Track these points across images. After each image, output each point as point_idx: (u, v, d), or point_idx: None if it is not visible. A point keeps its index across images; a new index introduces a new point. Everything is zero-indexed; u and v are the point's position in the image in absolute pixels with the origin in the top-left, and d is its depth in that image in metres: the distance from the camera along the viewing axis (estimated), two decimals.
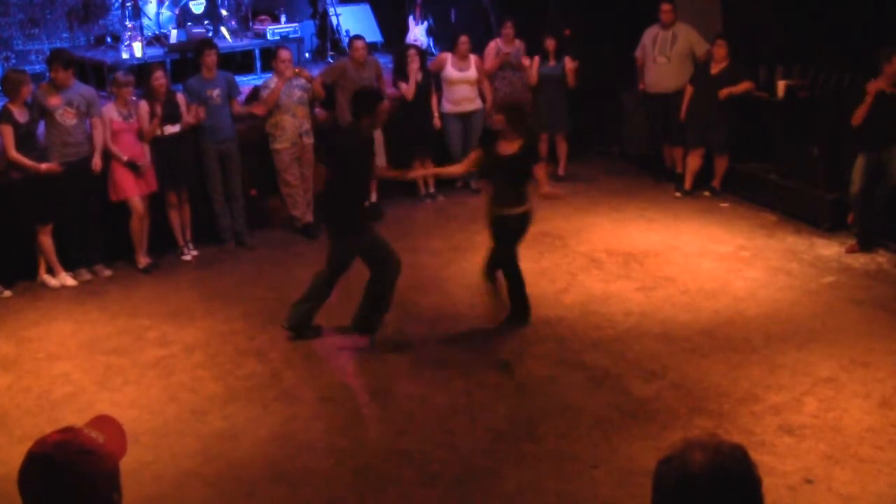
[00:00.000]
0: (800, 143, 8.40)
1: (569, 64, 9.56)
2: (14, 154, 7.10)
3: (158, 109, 7.71)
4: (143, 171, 7.67)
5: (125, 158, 7.57)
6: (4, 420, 5.52)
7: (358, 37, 9.13)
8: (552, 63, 9.56)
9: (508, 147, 6.12)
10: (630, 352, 6.05)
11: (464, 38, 9.33)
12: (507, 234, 6.25)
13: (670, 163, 9.65)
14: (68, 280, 7.55)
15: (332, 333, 6.62)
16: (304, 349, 6.36)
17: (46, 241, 7.45)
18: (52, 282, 7.53)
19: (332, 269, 6.28)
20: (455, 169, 7.22)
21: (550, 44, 9.57)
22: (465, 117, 9.40)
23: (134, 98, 7.76)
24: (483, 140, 6.55)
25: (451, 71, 9.32)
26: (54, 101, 7.33)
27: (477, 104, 9.43)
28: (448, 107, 9.40)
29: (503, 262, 6.35)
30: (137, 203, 7.69)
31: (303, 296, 6.38)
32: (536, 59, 9.63)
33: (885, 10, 7.89)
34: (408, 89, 9.04)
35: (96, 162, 7.50)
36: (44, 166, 7.17)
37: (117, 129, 7.59)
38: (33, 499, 1.88)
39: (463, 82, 9.35)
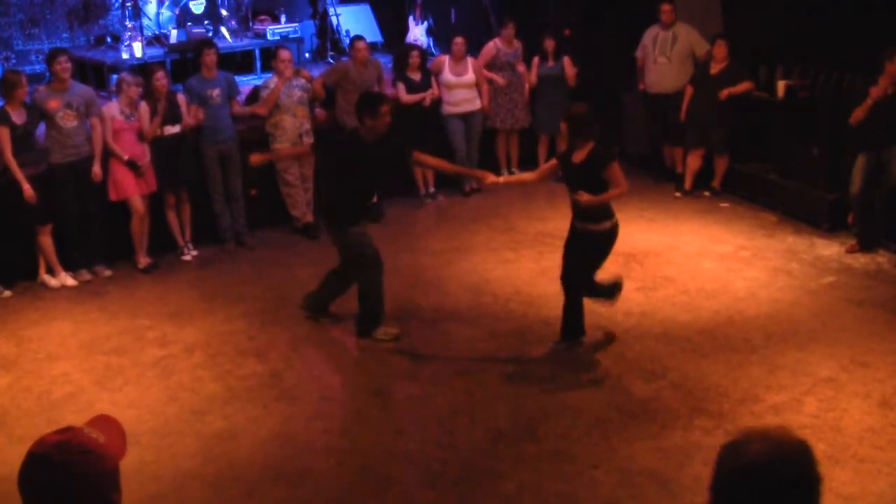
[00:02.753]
0: (800, 143, 8.39)
1: (568, 64, 9.57)
2: (9, 157, 7.08)
3: (160, 108, 7.71)
4: (143, 170, 7.67)
5: (126, 158, 7.56)
6: (4, 420, 5.52)
7: (359, 37, 9.13)
8: (551, 63, 9.56)
9: (579, 155, 5.92)
10: (630, 352, 6.05)
11: (458, 40, 9.33)
12: (596, 250, 6.00)
13: (670, 163, 9.65)
14: (68, 280, 7.55)
15: (332, 333, 6.63)
16: (304, 349, 6.36)
17: (46, 241, 7.45)
18: (52, 282, 7.53)
19: (359, 263, 6.24)
20: (528, 176, 6.81)
21: (549, 44, 9.57)
22: (465, 117, 9.41)
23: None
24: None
25: (448, 76, 9.32)
26: (54, 103, 7.33)
27: (476, 104, 9.45)
28: (448, 108, 9.41)
29: (584, 278, 6.06)
30: (138, 203, 7.69)
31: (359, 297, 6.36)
32: (536, 59, 9.64)
33: (885, 10, 7.89)
34: (408, 97, 9.03)
35: (96, 171, 7.49)
36: (26, 189, 7.08)
37: (118, 128, 7.59)
38: (33, 498, 1.88)
39: (461, 86, 9.36)
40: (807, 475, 1.83)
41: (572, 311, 6.09)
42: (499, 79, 9.50)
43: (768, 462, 1.81)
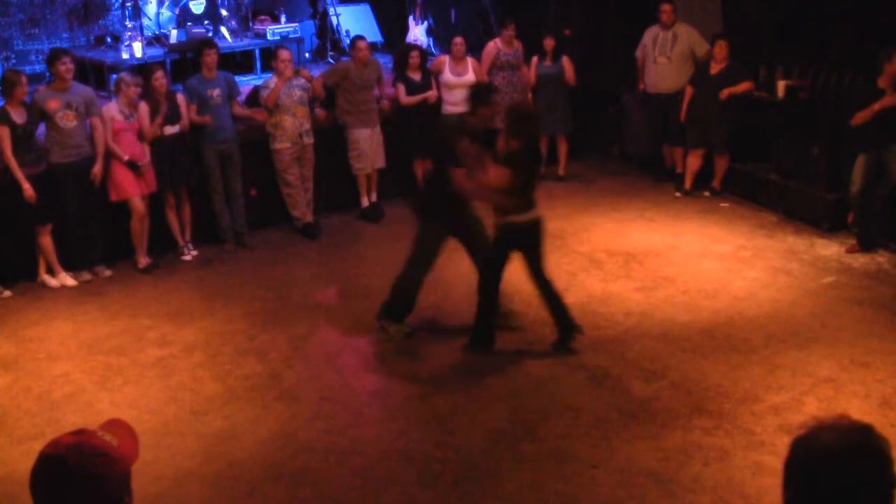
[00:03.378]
0: (800, 143, 8.40)
1: (567, 64, 9.57)
2: (9, 157, 7.08)
3: (163, 109, 7.71)
4: (143, 170, 7.67)
5: (126, 158, 7.57)
6: (4, 420, 5.52)
7: (361, 37, 9.11)
8: (548, 63, 9.55)
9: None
10: (630, 352, 6.05)
11: (458, 40, 9.32)
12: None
13: (670, 163, 9.66)
14: (68, 280, 7.55)
15: (332, 333, 6.63)
16: (304, 349, 6.37)
17: (46, 241, 7.45)
18: (52, 282, 7.53)
19: (416, 254, 6.35)
20: None
21: (549, 43, 9.57)
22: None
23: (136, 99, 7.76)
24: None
25: (448, 76, 9.32)
26: (54, 104, 7.32)
27: None
28: (448, 108, 9.40)
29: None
30: (138, 203, 7.69)
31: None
32: (535, 59, 9.64)
33: (885, 10, 7.90)
34: (408, 99, 9.04)
35: (96, 172, 7.49)
36: (26, 189, 7.09)
37: (118, 128, 7.58)
38: (46, 500, 1.88)
39: (460, 87, 9.35)
40: (880, 458, 1.84)
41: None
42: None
43: (844, 450, 1.82)
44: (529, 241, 5.98)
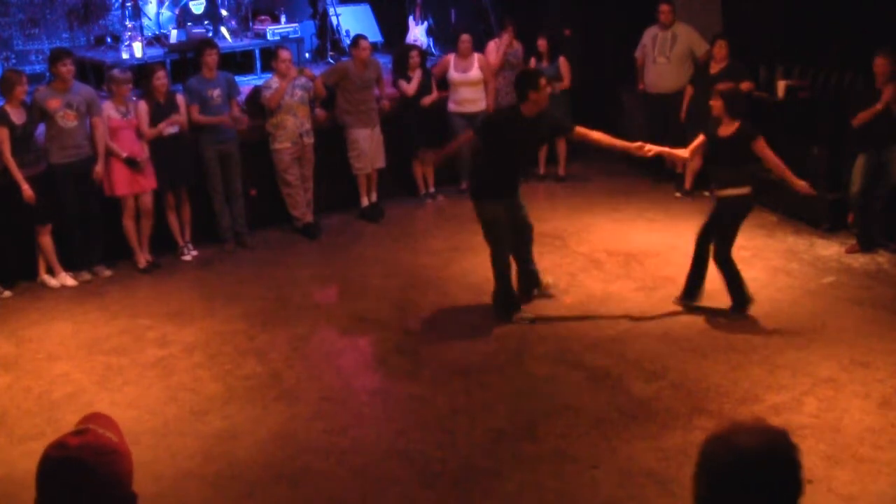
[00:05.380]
0: (800, 143, 8.39)
1: (564, 64, 9.57)
2: (8, 157, 7.08)
3: (171, 117, 7.78)
4: (141, 167, 7.67)
5: (124, 155, 7.57)
6: (4, 420, 5.52)
7: (363, 36, 9.11)
8: (545, 64, 9.54)
9: (726, 130, 6.32)
10: (630, 352, 6.05)
11: (464, 37, 9.33)
12: (733, 215, 6.41)
13: (670, 163, 9.64)
14: (68, 280, 7.55)
15: (332, 333, 6.63)
16: (303, 349, 6.37)
17: (46, 241, 7.45)
18: (52, 282, 7.53)
19: (492, 241, 6.53)
20: (683, 152, 7.01)
21: (542, 44, 9.58)
22: (469, 117, 9.41)
23: (133, 98, 7.76)
24: (705, 126, 6.64)
25: (452, 73, 9.34)
26: (54, 103, 7.32)
27: (480, 105, 9.42)
28: (452, 106, 9.44)
29: (730, 243, 6.46)
30: (130, 201, 7.68)
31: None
32: (532, 60, 9.64)
33: (885, 10, 7.89)
34: (409, 87, 9.05)
35: (98, 171, 7.50)
36: (25, 189, 7.09)
37: (115, 126, 7.59)
38: (58, 500, 1.88)
39: (465, 84, 9.36)
40: (792, 463, 1.88)
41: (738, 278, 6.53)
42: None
43: (762, 449, 1.86)
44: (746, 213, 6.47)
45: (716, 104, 6.36)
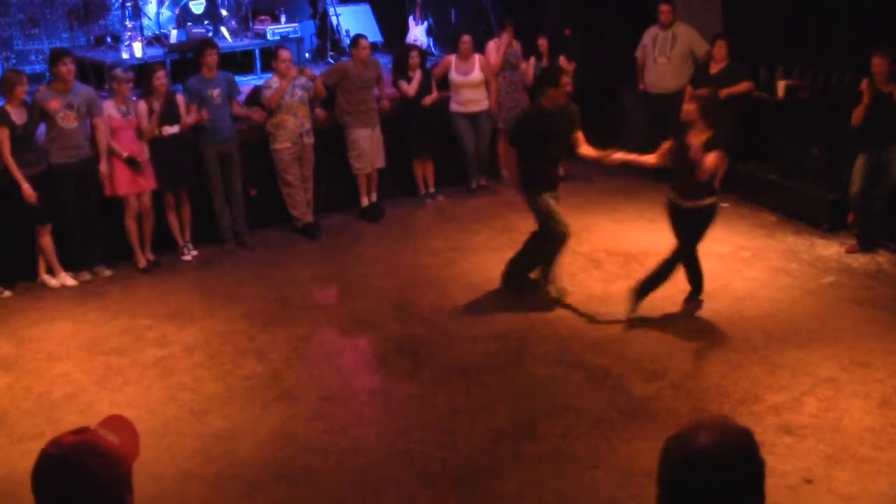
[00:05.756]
0: (800, 143, 8.40)
1: (564, 64, 9.56)
2: (8, 157, 7.07)
3: (156, 106, 7.69)
4: (142, 166, 7.66)
5: (125, 155, 7.57)
6: (4, 420, 5.52)
7: (363, 35, 9.11)
8: (545, 63, 9.54)
9: (697, 138, 6.07)
10: (630, 352, 6.05)
11: (465, 38, 9.33)
12: (701, 224, 6.32)
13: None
14: (68, 280, 7.55)
15: (332, 333, 6.63)
16: (303, 349, 6.37)
17: (46, 241, 7.45)
18: (52, 282, 7.53)
19: (543, 227, 6.81)
20: (649, 159, 6.82)
21: (542, 44, 9.58)
22: (471, 117, 9.42)
23: (133, 98, 7.75)
24: (675, 131, 6.53)
25: (454, 75, 9.34)
26: (54, 104, 7.32)
27: (482, 105, 9.44)
28: (455, 107, 9.44)
29: (689, 254, 6.44)
30: (132, 201, 7.68)
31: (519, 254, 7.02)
32: (532, 59, 9.64)
33: (885, 10, 7.89)
34: (409, 87, 9.05)
35: (103, 170, 7.50)
36: (25, 189, 7.09)
37: (116, 126, 7.59)
38: (48, 499, 1.88)
39: (467, 86, 9.36)
40: (753, 461, 1.85)
41: (697, 274, 6.62)
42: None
43: (718, 448, 1.83)
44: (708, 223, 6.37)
45: (690, 108, 6.17)
